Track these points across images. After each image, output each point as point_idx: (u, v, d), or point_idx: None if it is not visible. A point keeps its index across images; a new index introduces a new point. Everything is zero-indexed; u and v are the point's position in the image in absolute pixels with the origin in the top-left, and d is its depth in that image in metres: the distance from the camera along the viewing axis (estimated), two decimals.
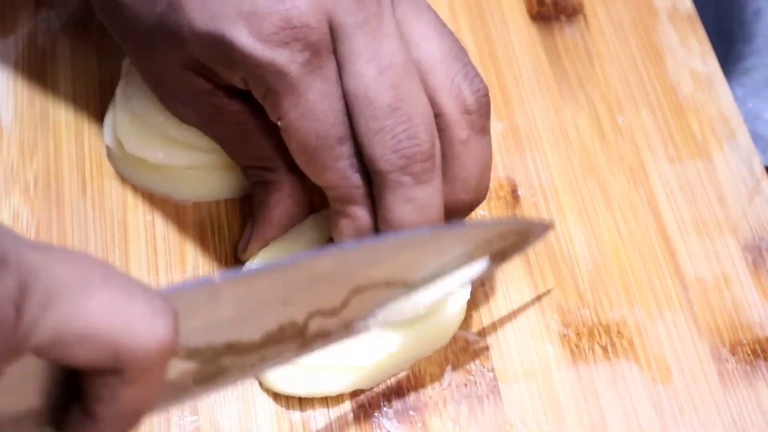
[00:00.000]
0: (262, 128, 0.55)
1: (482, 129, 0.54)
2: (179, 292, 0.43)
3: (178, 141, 0.59)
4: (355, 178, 0.53)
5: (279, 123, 0.52)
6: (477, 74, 0.55)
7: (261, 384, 0.55)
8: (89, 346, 0.37)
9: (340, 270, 0.47)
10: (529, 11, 0.71)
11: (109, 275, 0.39)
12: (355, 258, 0.48)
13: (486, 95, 0.54)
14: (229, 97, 0.55)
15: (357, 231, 0.54)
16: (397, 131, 0.51)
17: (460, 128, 0.54)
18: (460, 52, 0.55)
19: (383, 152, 0.51)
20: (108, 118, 0.62)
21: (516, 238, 0.54)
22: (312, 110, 0.52)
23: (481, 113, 0.54)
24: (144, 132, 0.60)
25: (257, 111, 0.55)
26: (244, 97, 0.55)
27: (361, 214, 0.53)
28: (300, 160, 0.53)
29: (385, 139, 0.51)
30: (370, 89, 0.51)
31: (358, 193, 0.53)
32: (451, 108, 0.54)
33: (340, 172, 0.53)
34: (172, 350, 0.40)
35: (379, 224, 0.53)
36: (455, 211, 0.55)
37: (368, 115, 0.51)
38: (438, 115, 0.54)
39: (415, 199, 0.52)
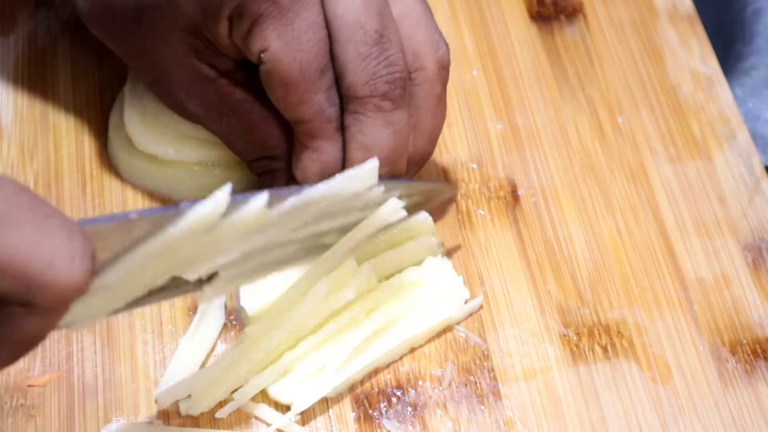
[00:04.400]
0: (265, 117, 0.56)
1: (446, 85, 0.57)
2: (97, 225, 0.42)
3: (190, 136, 0.60)
4: (330, 112, 0.54)
5: (262, 56, 0.53)
6: (441, 32, 0.57)
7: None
8: (4, 278, 0.38)
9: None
10: (529, 11, 0.71)
11: (35, 208, 0.39)
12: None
13: (449, 52, 0.57)
14: (233, 86, 0.55)
15: (323, 166, 0.55)
16: (381, 58, 0.53)
17: (437, 82, 0.56)
18: (431, 11, 0.57)
19: (367, 78, 0.53)
20: (113, 117, 0.62)
21: (420, 199, 0.58)
22: (297, 40, 0.52)
23: (448, 70, 0.57)
24: (155, 128, 0.60)
25: (261, 100, 0.55)
26: (248, 86, 0.55)
27: (329, 149, 0.54)
28: (276, 95, 0.54)
29: (371, 65, 0.53)
30: (360, 14, 0.53)
31: (330, 127, 0.54)
32: (432, 63, 0.56)
33: (316, 105, 0.53)
34: (83, 291, 0.40)
35: (353, 151, 0.54)
36: (414, 163, 0.57)
37: (357, 40, 0.53)
38: (419, 69, 0.56)
39: (393, 123, 0.54)
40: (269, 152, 0.57)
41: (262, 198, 0.45)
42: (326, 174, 0.54)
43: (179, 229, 0.43)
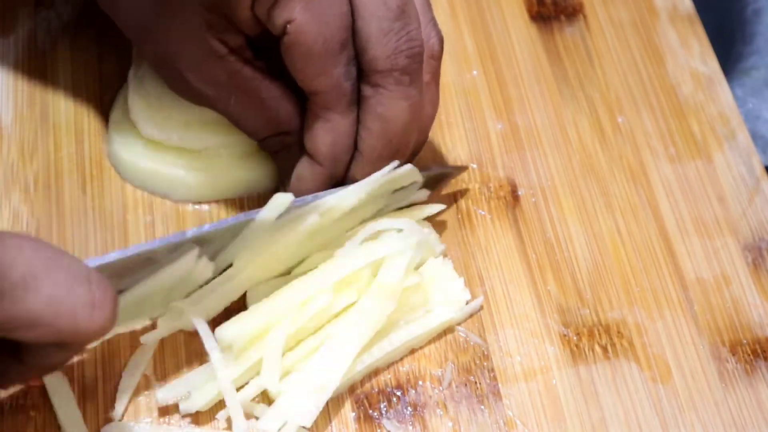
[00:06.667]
0: (275, 93, 0.57)
1: (438, 75, 0.58)
2: (108, 263, 0.49)
3: (194, 122, 0.60)
4: (346, 86, 0.55)
5: (288, 27, 0.53)
6: (437, 23, 0.58)
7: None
8: (34, 331, 0.44)
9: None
10: (529, 11, 0.71)
11: (52, 266, 0.44)
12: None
13: (443, 43, 0.58)
14: (242, 63, 0.56)
15: (334, 137, 0.56)
16: (402, 33, 0.54)
17: (424, 72, 0.56)
18: (429, 2, 0.58)
19: (389, 52, 0.54)
20: (114, 116, 0.62)
21: (431, 182, 0.60)
22: (323, 12, 0.53)
23: (439, 60, 0.58)
24: (159, 114, 0.60)
25: (269, 77, 0.56)
26: (256, 65, 0.56)
27: (342, 123, 0.55)
28: (296, 66, 0.55)
29: (392, 40, 0.54)
30: None
31: (344, 101, 0.55)
32: None
33: (334, 79, 0.54)
34: (107, 332, 0.46)
35: (371, 122, 0.55)
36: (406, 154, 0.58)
37: (381, 15, 0.54)
38: None
39: (411, 97, 0.55)
40: (281, 128, 0.57)
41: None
42: (337, 147, 0.56)
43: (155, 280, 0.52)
